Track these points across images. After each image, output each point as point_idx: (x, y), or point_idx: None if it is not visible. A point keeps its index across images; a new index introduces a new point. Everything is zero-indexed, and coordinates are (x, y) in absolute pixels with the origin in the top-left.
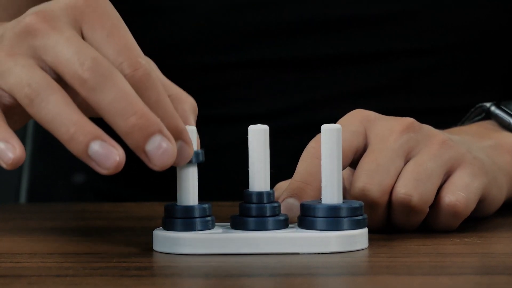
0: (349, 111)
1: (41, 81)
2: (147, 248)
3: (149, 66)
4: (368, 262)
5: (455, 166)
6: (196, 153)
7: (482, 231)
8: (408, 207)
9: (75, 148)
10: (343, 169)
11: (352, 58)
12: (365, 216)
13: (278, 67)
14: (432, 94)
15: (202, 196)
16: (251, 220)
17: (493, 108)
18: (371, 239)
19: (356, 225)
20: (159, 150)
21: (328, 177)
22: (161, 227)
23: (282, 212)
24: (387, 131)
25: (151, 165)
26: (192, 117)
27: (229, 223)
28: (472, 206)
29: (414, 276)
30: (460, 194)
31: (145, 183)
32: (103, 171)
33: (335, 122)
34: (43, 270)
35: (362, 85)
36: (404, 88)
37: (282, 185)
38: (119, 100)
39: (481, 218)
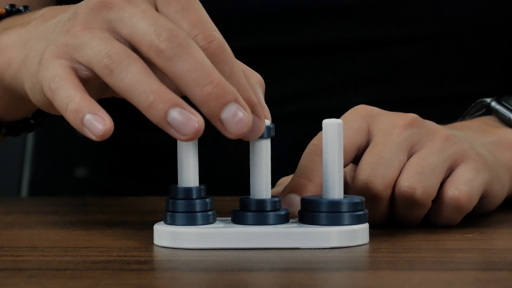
0: (347, 99)
1: (120, 52)
2: (148, 242)
3: (223, 40)
4: (369, 257)
5: (458, 161)
6: (268, 128)
7: (483, 227)
8: (411, 200)
9: (154, 115)
10: (346, 166)
11: (349, 46)
12: (366, 211)
13: (275, 54)
14: (433, 82)
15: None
16: (251, 214)
17: (493, 104)
18: (372, 234)
19: (357, 220)
20: (235, 118)
21: (329, 172)
22: (162, 221)
23: (283, 207)
24: (390, 126)
25: (226, 133)
26: (260, 91)
27: (230, 218)
28: (475, 200)
29: (415, 272)
30: (463, 188)
31: (146, 178)
32: (181, 138)
33: (333, 111)
34: (43, 264)
35: (360, 73)
36: (402, 76)
37: (285, 181)
38: (195, 69)
39: (482, 214)
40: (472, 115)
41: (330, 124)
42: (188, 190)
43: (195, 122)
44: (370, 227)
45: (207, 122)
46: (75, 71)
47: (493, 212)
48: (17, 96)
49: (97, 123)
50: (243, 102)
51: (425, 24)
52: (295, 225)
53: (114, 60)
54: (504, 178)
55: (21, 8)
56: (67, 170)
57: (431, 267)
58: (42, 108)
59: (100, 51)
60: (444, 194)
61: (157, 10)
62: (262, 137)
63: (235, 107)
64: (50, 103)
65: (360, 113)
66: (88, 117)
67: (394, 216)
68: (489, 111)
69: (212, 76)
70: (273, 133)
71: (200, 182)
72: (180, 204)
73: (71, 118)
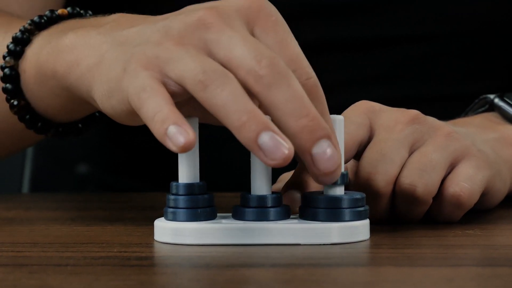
0: (351, 98)
1: (217, 69)
2: (149, 238)
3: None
4: (370, 253)
5: (460, 158)
6: (342, 174)
7: (484, 223)
8: (412, 197)
9: (245, 135)
10: (347, 162)
11: (353, 45)
12: (367, 207)
13: None
14: (435, 82)
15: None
16: (252, 210)
17: (496, 100)
18: (372, 230)
19: (358, 216)
20: (325, 155)
21: None
22: (163, 217)
23: (284, 203)
24: (392, 122)
25: (314, 169)
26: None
27: (230, 214)
28: (476, 197)
29: (415, 267)
30: (464, 185)
31: (148, 175)
32: (270, 162)
33: (337, 110)
34: (44, 260)
35: (363, 72)
36: (406, 76)
37: (286, 176)
38: (293, 100)
39: (483, 211)
40: (475, 111)
41: (331, 120)
42: (189, 186)
43: (286, 148)
44: (371, 223)
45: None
46: (164, 85)
47: (494, 208)
48: (77, 97)
49: (179, 135)
50: (335, 140)
51: (428, 24)
52: (296, 221)
53: (210, 76)
54: (505, 175)
55: (82, 11)
56: (68, 167)
57: (432, 263)
58: (111, 115)
59: (195, 67)
60: (445, 191)
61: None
62: (336, 183)
63: (327, 144)
64: (126, 112)
65: (362, 108)
66: (171, 128)
67: (395, 212)
68: (492, 107)
69: (308, 109)
70: (347, 180)
71: (201, 178)
72: (181, 200)
73: (156, 128)
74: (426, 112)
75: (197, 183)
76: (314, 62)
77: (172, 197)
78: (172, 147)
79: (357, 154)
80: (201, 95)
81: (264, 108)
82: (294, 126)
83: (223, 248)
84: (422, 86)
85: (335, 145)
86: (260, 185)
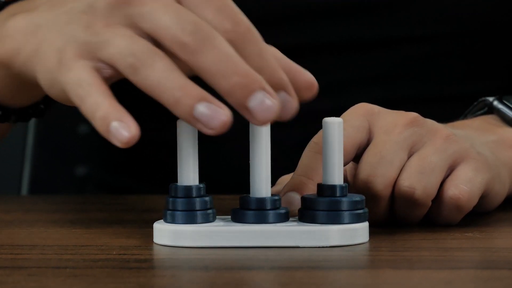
0: (351, 98)
1: (144, 49)
2: (148, 241)
3: (249, 22)
4: (369, 256)
5: (459, 161)
6: (342, 187)
7: (483, 226)
8: (411, 200)
9: (181, 111)
10: (346, 164)
11: (354, 45)
12: (366, 209)
13: None
14: (435, 82)
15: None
16: (251, 213)
17: (495, 103)
18: (371, 233)
19: (357, 219)
20: (262, 106)
21: (329, 170)
22: (162, 220)
23: (283, 205)
24: (391, 125)
25: (254, 121)
26: (293, 62)
27: (230, 216)
28: (475, 200)
29: (414, 270)
30: (463, 188)
31: (148, 176)
32: (209, 131)
33: (336, 111)
34: (43, 262)
35: (363, 73)
36: (406, 76)
37: (285, 179)
38: (221, 61)
39: (483, 213)
40: (474, 113)
41: (330, 123)
42: (188, 188)
43: (223, 115)
44: (370, 225)
45: None
46: (98, 71)
47: (493, 211)
48: (26, 82)
49: (123, 130)
50: (270, 88)
51: (428, 24)
52: (295, 223)
53: (138, 58)
54: (505, 177)
55: None
56: (68, 168)
57: (431, 266)
58: (59, 101)
59: (123, 49)
60: (444, 194)
61: (178, 1)
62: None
63: (262, 95)
64: (70, 100)
65: (361, 111)
66: (114, 124)
67: (394, 215)
68: (491, 110)
69: (237, 67)
70: (346, 193)
71: (200, 180)
72: (180, 203)
73: (98, 125)
74: (426, 112)
75: (196, 185)
76: (314, 62)
77: (171, 199)
78: (117, 143)
79: (356, 156)
80: (133, 79)
81: (195, 73)
82: (225, 85)
83: (222, 251)
84: (422, 86)
85: (270, 93)
86: (259, 187)
